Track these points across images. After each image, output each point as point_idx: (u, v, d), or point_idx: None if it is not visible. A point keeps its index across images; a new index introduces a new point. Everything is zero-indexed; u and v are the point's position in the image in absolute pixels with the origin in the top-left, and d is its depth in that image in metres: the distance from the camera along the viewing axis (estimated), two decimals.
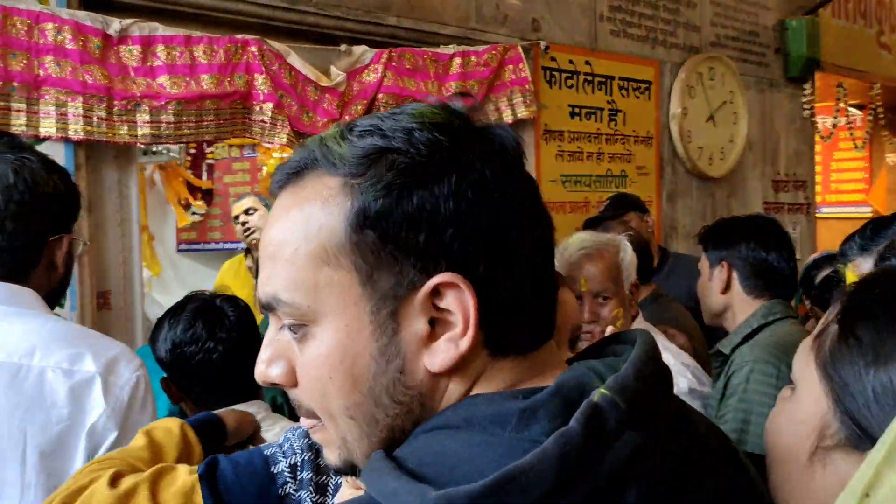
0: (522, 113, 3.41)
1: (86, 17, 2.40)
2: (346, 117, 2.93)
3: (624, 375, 0.61)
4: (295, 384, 0.67)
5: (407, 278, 0.62)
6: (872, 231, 1.67)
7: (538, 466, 0.54)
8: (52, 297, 1.48)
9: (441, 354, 0.62)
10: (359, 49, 2.99)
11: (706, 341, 2.84)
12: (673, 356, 2.07)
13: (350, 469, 0.68)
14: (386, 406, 0.64)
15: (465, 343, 0.62)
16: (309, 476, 1.11)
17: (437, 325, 0.63)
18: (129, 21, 2.47)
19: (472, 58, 3.28)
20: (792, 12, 5.05)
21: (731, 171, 4.68)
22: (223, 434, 1.43)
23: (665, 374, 0.67)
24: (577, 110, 3.79)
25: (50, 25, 2.33)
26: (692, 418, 0.70)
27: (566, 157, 3.76)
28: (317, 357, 0.64)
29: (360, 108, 2.96)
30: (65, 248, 1.45)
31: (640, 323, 2.20)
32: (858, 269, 1.63)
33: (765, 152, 5.00)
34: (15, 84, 2.28)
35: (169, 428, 1.29)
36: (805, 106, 5.22)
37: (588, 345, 2.25)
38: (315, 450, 1.10)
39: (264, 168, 5.84)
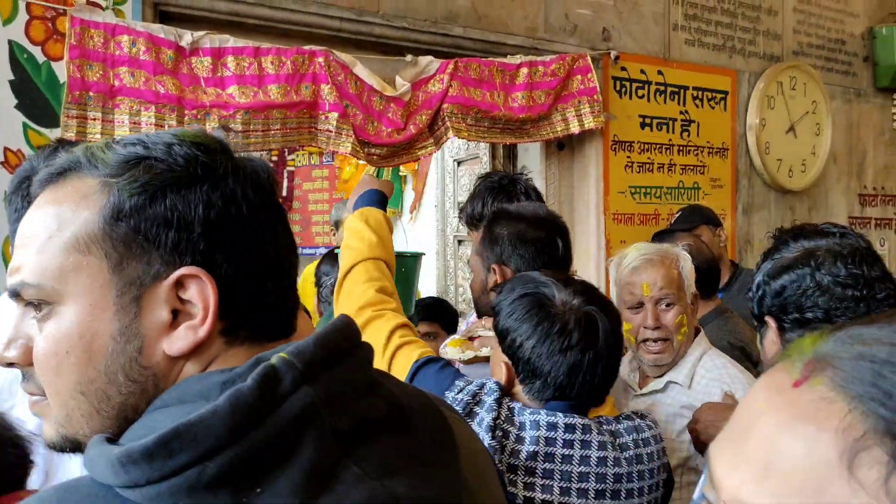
0: (590, 123, 3.36)
1: (159, 30, 2.49)
2: (411, 127, 2.95)
3: (304, 343, 0.68)
4: (31, 363, 0.73)
5: (154, 269, 0.68)
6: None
7: (208, 420, 0.60)
8: None
9: (180, 340, 0.69)
10: (424, 59, 3.01)
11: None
12: (724, 367, 2.05)
13: (70, 446, 0.73)
14: (120, 384, 0.69)
15: (203, 330, 0.69)
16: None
17: (179, 315, 0.70)
18: (200, 33, 2.55)
19: (540, 68, 3.25)
20: (881, 19, 4.83)
21: (813, 184, 4.51)
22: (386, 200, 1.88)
23: (356, 346, 0.73)
24: (647, 121, 3.72)
25: (125, 38, 2.43)
26: (389, 385, 0.77)
27: (635, 169, 3.69)
28: (57, 332, 0.70)
29: (424, 117, 2.98)
30: None
31: (702, 339, 2.14)
32: None
33: (850, 165, 4.80)
34: (91, 94, 2.38)
35: (378, 219, 1.77)
36: (895, 117, 4.99)
37: (652, 355, 2.22)
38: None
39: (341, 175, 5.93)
